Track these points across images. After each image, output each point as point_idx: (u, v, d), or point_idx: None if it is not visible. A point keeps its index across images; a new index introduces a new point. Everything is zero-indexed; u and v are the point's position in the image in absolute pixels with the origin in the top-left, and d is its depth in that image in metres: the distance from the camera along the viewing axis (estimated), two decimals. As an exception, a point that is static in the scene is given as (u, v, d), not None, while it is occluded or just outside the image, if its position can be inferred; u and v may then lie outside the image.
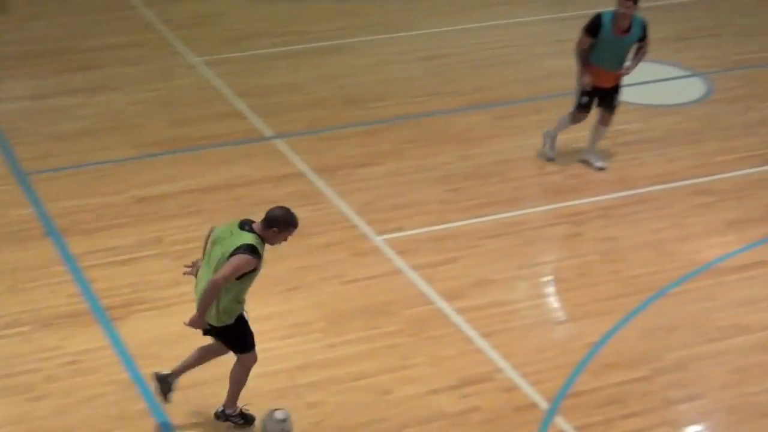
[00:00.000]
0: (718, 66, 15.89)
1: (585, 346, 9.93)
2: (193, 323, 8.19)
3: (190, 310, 8.22)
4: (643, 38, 12.54)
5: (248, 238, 8.00)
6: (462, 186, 12.62)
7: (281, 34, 16.65)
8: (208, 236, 8.33)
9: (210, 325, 8.25)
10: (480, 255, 11.33)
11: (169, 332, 9.81)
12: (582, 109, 12.79)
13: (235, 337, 8.38)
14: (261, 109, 14.32)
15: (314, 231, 11.57)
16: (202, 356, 8.70)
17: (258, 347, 8.53)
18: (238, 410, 8.74)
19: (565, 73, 15.40)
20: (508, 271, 11.08)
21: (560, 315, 10.62)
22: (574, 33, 16.58)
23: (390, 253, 11.26)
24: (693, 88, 15.28)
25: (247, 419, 8.77)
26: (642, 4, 16.77)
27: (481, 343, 9.94)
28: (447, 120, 14.18)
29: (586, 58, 12.53)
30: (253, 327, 8.47)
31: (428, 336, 9.74)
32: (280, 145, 13.46)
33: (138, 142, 13.48)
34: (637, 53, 12.62)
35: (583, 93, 12.68)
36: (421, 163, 13.09)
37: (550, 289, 11.00)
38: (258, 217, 8.25)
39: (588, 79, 12.56)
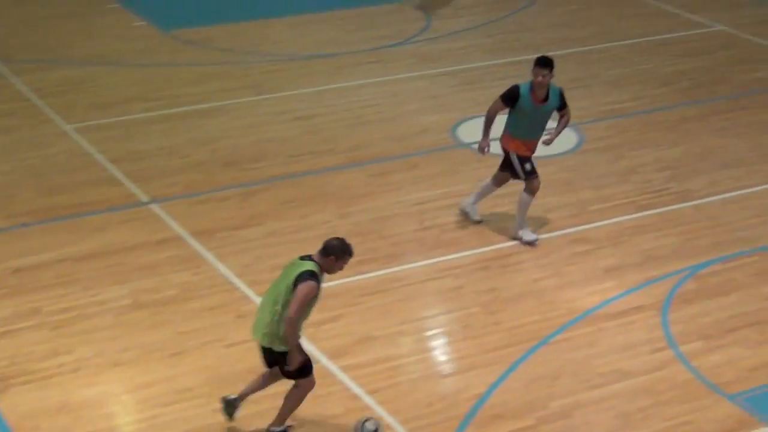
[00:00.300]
0: (589, 116, 16.20)
1: (471, 398, 9.98)
2: (291, 362, 8.94)
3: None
4: (562, 106, 12.64)
5: (309, 266, 8.91)
6: (342, 244, 12.62)
7: (154, 99, 16.55)
8: None
9: (274, 352, 8.98)
10: (362, 312, 11.34)
11: (49, 403, 9.61)
12: (532, 175, 12.64)
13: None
14: (136, 175, 14.19)
15: (195, 295, 11.48)
16: (266, 381, 9.44)
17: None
18: (285, 427, 9.38)
19: (438, 129, 15.64)
20: (391, 327, 11.10)
21: (446, 368, 10.66)
22: (444, 89, 16.97)
23: (272, 313, 11.20)
24: (566, 139, 15.50)
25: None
26: (511, 58, 17.27)
27: (368, 399, 9.92)
28: (324, 179, 14.20)
29: (489, 125, 12.58)
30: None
31: (314, 395, 9.69)
32: (157, 209, 13.34)
33: (11, 212, 13.25)
34: (559, 121, 12.72)
35: (522, 161, 12.61)
36: (300, 222, 13.08)
37: (435, 343, 11.05)
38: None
39: (484, 146, 12.61)
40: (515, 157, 12.64)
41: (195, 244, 12.56)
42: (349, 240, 12.46)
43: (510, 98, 12.46)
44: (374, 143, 15.23)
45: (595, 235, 13.00)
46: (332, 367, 10.38)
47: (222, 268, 12.07)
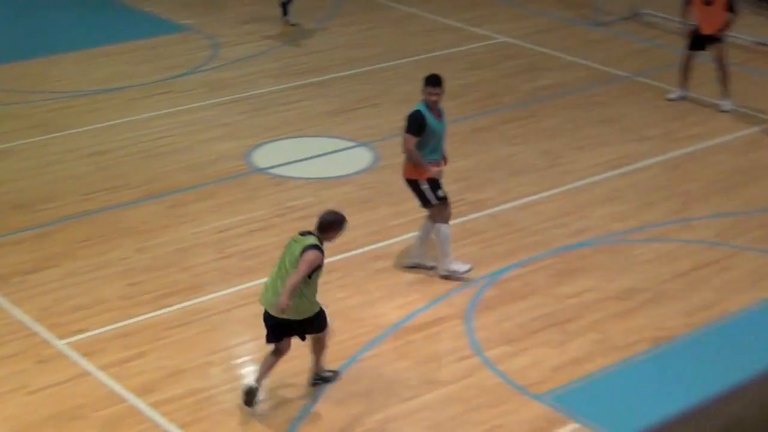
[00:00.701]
0: (381, 134, 16.35)
1: (286, 422, 9.93)
2: (282, 305, 9.72)
3: None
4: None
5: (311, 240, 9.90)
6: (141, 279, 12.45)
7: (-65, 145, 16.03)
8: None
9: (290, 321, 9.95)
10: (168, 346, 11.18)
11: None
12: (445, 200, 12.36)
13: (317, 320, 10.16)
14: None
15: (-8, 343, 11.13)
16: (275, 357, 10.21)
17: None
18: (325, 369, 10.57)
19: (232, 156, 15.56)
20: (199, 359, 10.97)
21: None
22: (235, 115, 16.91)
23: (75, 356, 10.95)
24: (361, 158, 15.66)
25: (334, 372, 10.66)
26: (300, 82, 17.28)
27: (180, 434, 9.78)
28: (120, 214, 13.96)
29: (418, 155, 12.13)
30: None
31: (124, 435, 9.51)
32: (-54, 259, 12.91)
33: None
34: None
35: (432, 187, 12.26)
36: (98, 260, 12.82)
37: (244, 371, 10.94)
38: None
39: (437, 170, 12.24)
40: (425, 184, 12.24)
41: (-11, 292, 12.20)
42: (149, 275, 12.46)
43: (419, 126, 12.05)
44: (169, 175, 15.06)
45: (397, 250, 13.12)
46: (141, 404, 10.19)
47: (18, 314, 11.73)
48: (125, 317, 11.66)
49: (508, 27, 21.21)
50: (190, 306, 11.92)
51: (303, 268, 9.78)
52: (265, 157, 15.57)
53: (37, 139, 16.22)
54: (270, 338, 10.21)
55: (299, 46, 20.14)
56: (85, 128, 16.58)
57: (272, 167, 15.30)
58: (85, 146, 15.99)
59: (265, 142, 16.05)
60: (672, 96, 17.66)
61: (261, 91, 17.92)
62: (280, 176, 15.03)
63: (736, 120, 17.00)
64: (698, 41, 17.23)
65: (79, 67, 19.10)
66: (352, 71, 18.90)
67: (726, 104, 17.26)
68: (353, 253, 13.07)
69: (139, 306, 11.88)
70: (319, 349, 10.48)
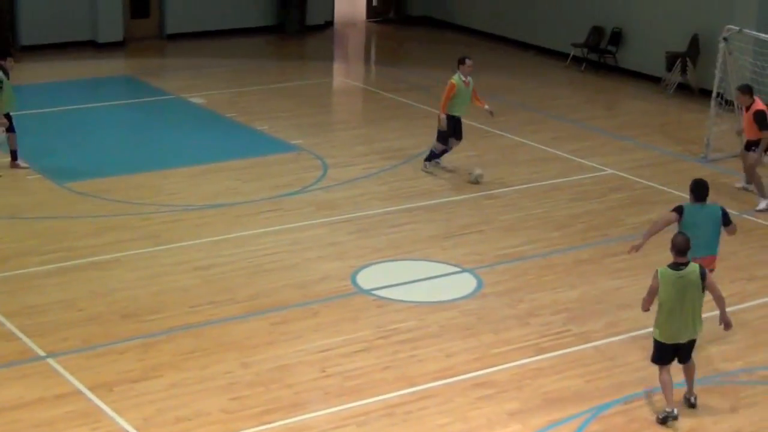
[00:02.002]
0: (486, 261, 16.38)
1: None
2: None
3: None
4: None
5: (697, 266, 12.42)
6: (244, 394, 12.53)
7: (50, 252, 16.34)
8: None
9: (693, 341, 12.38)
10: (268, 463, 11.18)
11: None
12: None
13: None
14: (32, 329, 13.94)
15: (95, 450, 11.23)
16: (689, 373, 12.60)
17: None
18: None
19: (337, 276, 15.68)
20: (297, 478, 10.95)
21: None
22: (342, 236, 17.06)
23: (175, 467, 11.01)
24: (464, 283, 15.68)
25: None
26: (407, 205, 17.29)
27: None
28: (225, 328, 14.11)
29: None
30: None
31: None
32: (54, 364, 13.10)
33: None
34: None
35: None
36: (202, 373, 12.94)
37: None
38: None
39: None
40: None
41: (93, 399, 12.34)
42: (252, 390, 12.55)
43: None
44: (274, 291, 15.20)
45: (498, 379, 13.06)
46: None
47: (121, 422, 11.84)
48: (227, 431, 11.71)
49: (616, 159, 21.21)
50: (291, 423, 11.94)
51: (717, 287, 12.39)
52: (370, 278, 15.65)
53: (147, 250, 16.50)
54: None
55: (408, 170, 20.33)
56: (193, 242, 16.84)
57: (377, 289, 15.37)
58: (193, 259, 16.22)
59: (371, 264, 16.14)
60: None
61: (369, 212, 18.06)
62: (385, 298, 15.09)
63: None
64: None
65: (191, 182, 19.47)
66: (460, 197, 19.01)
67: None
68: (454, 379, 13.04)
69: (240, 421, 11.93)
70: (693, 371, 12.59)
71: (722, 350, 13.88)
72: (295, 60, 29.60)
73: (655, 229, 14.02)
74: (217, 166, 20.26)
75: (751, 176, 19.23)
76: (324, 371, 13.12)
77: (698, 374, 13.13)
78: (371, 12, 35.00)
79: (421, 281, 15.80)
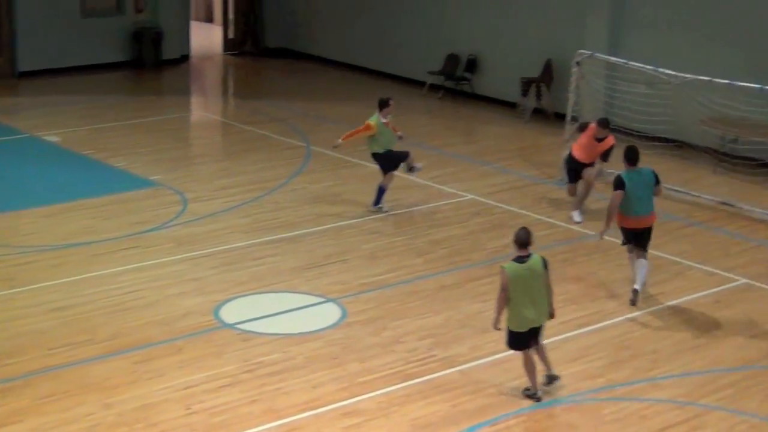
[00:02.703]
0: (349, 290, 16.39)
1: None
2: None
3: None
4: None
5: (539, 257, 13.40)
6: (107, 435, 12.32)
7: None
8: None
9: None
10: (133, 504, 10.98)
11: None
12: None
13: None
14: None
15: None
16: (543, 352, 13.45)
17: None
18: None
19: (200, 311, 15.52)
20: None
21: None
22: (203, 271, 16.90)
23: None
24: (329, 314, 15.66)
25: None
26: (269, 237, 17.28)
27: None
28: (85, 369, 13.84)
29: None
30: None
31: None
32: None
33: None
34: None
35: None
36: (63, 416, 12.66)
37: None
38: None
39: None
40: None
41: (-50, 448, 12.01)
42: (115, 431, 12.33)
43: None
44: (136, 330, 14.97)
45: (365, 407, 13.05)
46: None
47: (-19, 471, 11.55)
48: (89, 475, 11.51)
49: (476, 185, 21.46)
50: (155, 463, 11.77)
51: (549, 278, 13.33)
52: (233, 312, 15.54)
53: (1, 293, 16.13)
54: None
55: (268, 202, 20.27)
56: (50, 283, 16.51)
57: (241, 323, 15.26)
58: (49, 301, 15.90)
59: (234, 298, 16.03)
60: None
61: (230, 246, 17.95)
62: (249, 332, 14.98)
63: (703, 279, 17.15)
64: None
65: (47, 222, 19.12)
66: (322, 227, 19.02)
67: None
68: (322, 410, 13.00)
69: (103, 463, 11.72)
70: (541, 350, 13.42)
71: (584, 369, 14.09)
72: (152, 95, 29.34)
73: (613, 212, 16.04)
74: (74, 204, 19.93)
75: (587, 189, 19.79)
76: (189, 408, 12.95)
77: (563, 393, 13.34)
78: (228, 45, 34.91)
79: (285, 313, 15.73)
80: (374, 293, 16.37)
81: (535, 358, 13.38)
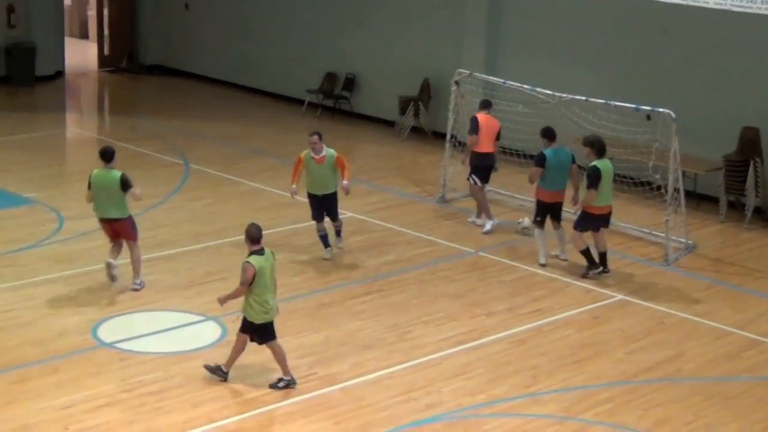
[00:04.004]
0: (229, 308, 16.24)
1: None
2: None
3: None
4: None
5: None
6: (-18, 458, 12.10)
7: None
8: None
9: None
10: None
11: None
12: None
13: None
14: None
15: None
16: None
17: None
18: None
19: (77, 330, 15.33)
20: None
21: None
22: (80, 290, 16.67)
23: None
24: (209, 332, 15.59)
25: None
26: (147, 255, 17.09)
27: None
28: (-44, 390, 13.59)
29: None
30: None
31: None
32: None
33: None
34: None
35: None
36: (-64, 438, 12.43)
37: None
38: None
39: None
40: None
41: None
42: (-8, 452, 12.10)
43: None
44: (12, 349, 14.73)
45: (247, 426, 13.05)
46: None
47: None
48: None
49: (354, 203, 21.50)
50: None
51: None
52: (111, 331, 15.39)
53: None
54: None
55: (146, 220, 20.08)
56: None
57: (119, 341, 15.11)
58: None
59: (112, 317, 15.87)
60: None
61: (102, 265, 17.73)
62: (128, 351, 14.85)
63: (580, 295, 17.46)
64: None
65: None
66: (200, 245, 18.92)
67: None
68: (202, 428, 12.95)
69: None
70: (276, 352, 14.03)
71: (465, 385, 14.25)
72: (25, 111, 28.91)
73: (532, 183, 18.28)
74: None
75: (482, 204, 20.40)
76: (67, 428, 12.79)
77: (443, 409, 13.46)
78: (103, 61, 34.56)
79: (164, 332, 15.62)
80: (254, 311, 16.31)
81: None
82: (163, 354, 14.81)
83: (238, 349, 14.05)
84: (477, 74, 22.65)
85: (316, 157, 18.12)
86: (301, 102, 29.33)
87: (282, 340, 15.25)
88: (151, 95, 31.92)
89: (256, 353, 14.85)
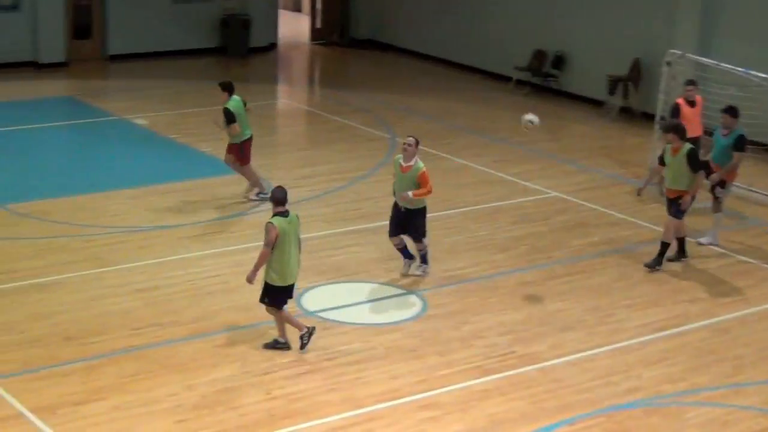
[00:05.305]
0: (430, 283, 16.42)
1: None
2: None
3: None
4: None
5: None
6: (189, 417, 12.50)
7: (-10, 273, 16.24)
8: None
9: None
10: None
11: None
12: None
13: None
14: (-29, 352, 13.82)
15: (37, 474, 11.13)
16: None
17: None
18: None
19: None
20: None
21: None
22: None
23: (119, 491, 10.93)
24: (409, 305, 15.72)
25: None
26: (350, 227, 17.34)
27: None
28: (168, 350, 14.04)
29: None
30: None
31: None
32: (-5, 387, 12.99)
33: None
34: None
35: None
36: (146, 395, 12.87)
37: None
38: None
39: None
40: None
41: (36, 422, 12.23)
42: (197, 412, 12.49)
43: None
44: (219, 313, 15.15)
45: (443, 401, 13.09)
46: None
47: (65, 446, 11.77)
48: (170, 454, 11.68)
49: (559, 182, 21.38)
50: (235, 447, 11.91)
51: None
52: (315, 300, 15.65)
53: (88, 272, 16.40)
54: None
55: (350, 192, 20.36)
56: (136, 264, 16.75)
57: (322, 311, 15.37)
58: (135, 281, 16.14)
59: (316, 286, 16.13)
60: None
61: (312, 235, 18.00)
62: (329, 320, 15.09)
63: (787, 286, 16.98)
64: None
65: (133, 203, 19.39)
66: (404, 219, 19.06)
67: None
68: (400, 401, 13.06)
69: (185, 444, 11.88)
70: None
71: (666, 372, 14.00)
72: (238, 82, 29.34)
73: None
74: (160, 187, 20.18)
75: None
76: (269, 393, 13.09)
77: (643, 395, 13.27)
78: (315, 34, 35.07)
79: (365, 303, 15.82)
80: (455, 287, 16.40)
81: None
82: (364, 325, 15.01)
83: (282, 318, 14.18)
84: (689, 55, 22.15)
85: (404, 164, 16.29)
86: (508, 79, 29.20)
87: (482, 317, 15.36)
88: (360, 69, 32.27)
89: (454, 329, 14.92)
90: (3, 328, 14.52)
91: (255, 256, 17.09)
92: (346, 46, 34.30)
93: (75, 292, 15.69)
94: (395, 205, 16.46)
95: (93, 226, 18.23)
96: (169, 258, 16.95)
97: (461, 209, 19.71)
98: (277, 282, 14.00)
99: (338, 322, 15.09)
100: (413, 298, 15.97)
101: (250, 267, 16.76)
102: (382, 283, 16.43)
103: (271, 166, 21.69)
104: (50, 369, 13.44)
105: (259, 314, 15.11)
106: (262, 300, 14.18)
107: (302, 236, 17.84)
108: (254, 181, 19.68)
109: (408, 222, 16.39)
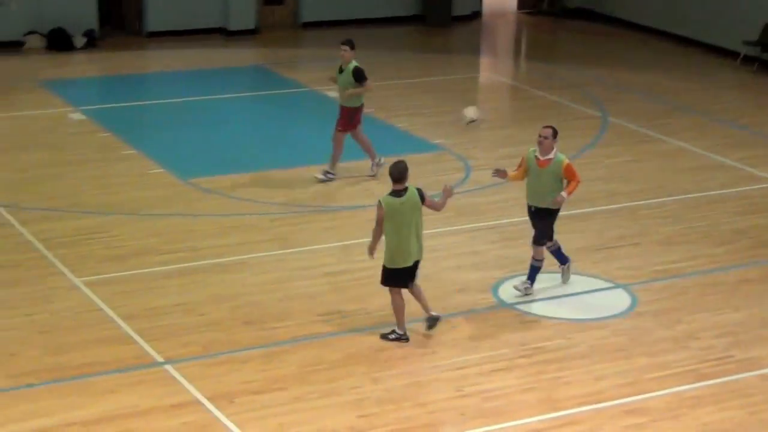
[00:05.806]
0: (641, 277, 16.16)
1: None
2: None
3: None
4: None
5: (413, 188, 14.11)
6: (373, 411, 12.57)
7: (172, 251, 16.62)
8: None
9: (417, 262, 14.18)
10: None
11: None
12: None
13: None
14: (150, 333, 14.17)
15: (212, 465, 11.35)
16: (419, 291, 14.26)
17: None
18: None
19: (477, 288, 15.59)
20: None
21: None
22: (482, 245, 16.97)
23: (297, 487, 11.07)
24: (617, 301, 15.49)
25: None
26: (560, 213, 17.17)
27: None
28: (354, 340, 14.15)
29: None
30: None
31: None
32: (172, 371, 13.29)
33: (13, 372, 13.22)
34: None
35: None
36: (329, 387, 13.01)
37: None
38: None
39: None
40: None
41: (212, 410, 12.48)
42: (382, 407, 12.55)
43: None
44: (408, 303, 15.15)
45: (652, 406, 12.87)
46: None
47: (242, 436, 11.98)
48: (352, 451, 11.77)
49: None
50: (422, 446, 11.93)
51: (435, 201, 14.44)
52: (512, 291, 15.53)
53: (274, 253, 16.67)
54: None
55: (557, 175, 20.15)
56: (323, 246, 16.95)
57: (520, 303, 15.26)
58: (322, 264, 16.33)
59: (514, 276, 16.03)
60: None
61: (513, 220, 17.92)
62: (528, 313, 15.00)
63: None
64: None
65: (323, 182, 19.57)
66: (614, 206, 18.80)
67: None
68: (603, 405, 12.89)
69: (368, 440, 11.97)
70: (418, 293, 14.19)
71: None
72: (438, 53, 29.64)
73: None
74: (352, 165, 20.31)
75: None
76: (460, 390, 13.07)
77: None
78: (523, 2, 34.88)
79: (568, 296, 15.65)
80: (668, 282, 16.09)
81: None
82: (567, 320, 14.85)
83: (396, 304, 14.14)
84: None
85: (541, 158, 15.27)
86: (735, 54, 28.50)
87: (697, 316, 15.03)
88: (571, 41, 31.96)
89: (666, 328, 14.62)
90: (183, 309, 14.87)
91: (449, 241, 17.24)
92: (556, 16, 34.01)
93: (258, 274, 15.96)
94: (528, 207, 15.64)
95: (279, 204, 18.51)
96: (357, 240, 17.05)
97: (678, 197, 19.33)
98: (387, 263, 14.11)
99: (538, 315, 14.97)
100: (622, 293, 15.73)
101: (443, 253, 16.85)
102: (588, 276, 16.23)
103: (469, 145, 21.64)
104: (229, 354, 13.70)
105: (453, 304, 15.11)
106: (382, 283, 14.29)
107: (504, 221, 17.93)
108: (336, 155, 19.71)
109: (536, 221, 15.56)
